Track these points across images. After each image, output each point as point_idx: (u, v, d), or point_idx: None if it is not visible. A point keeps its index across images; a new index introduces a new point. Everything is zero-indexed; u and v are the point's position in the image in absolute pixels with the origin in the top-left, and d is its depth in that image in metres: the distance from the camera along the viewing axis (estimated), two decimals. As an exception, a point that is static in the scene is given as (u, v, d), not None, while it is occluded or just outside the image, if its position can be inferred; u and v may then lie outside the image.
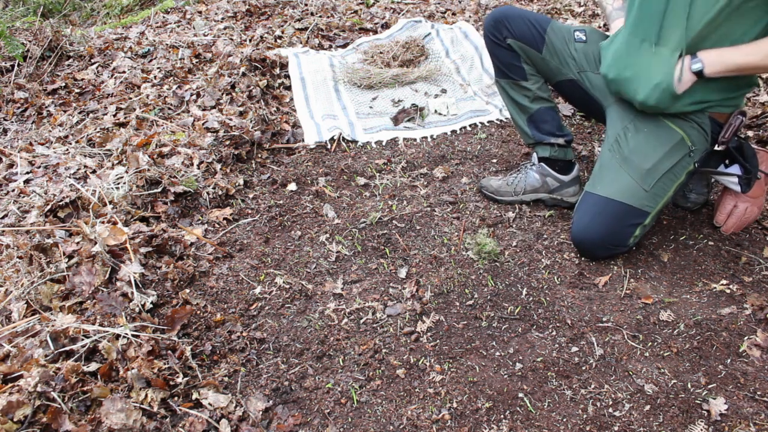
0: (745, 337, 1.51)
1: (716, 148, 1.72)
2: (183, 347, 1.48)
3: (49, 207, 1.85)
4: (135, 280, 1.63)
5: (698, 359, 1.47)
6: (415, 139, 2.53)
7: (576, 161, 2.04)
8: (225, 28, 3.65)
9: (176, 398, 1.37)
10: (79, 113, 2.79)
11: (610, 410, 1.36)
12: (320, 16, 3.81)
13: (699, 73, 1.55)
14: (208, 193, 2.10)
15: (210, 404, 1.37)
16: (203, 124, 2.42)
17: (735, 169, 1.76)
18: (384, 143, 2.50)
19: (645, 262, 1.79)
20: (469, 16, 3.69)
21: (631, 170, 1.68)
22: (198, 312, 1.63)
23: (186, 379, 1.41)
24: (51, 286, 1.57)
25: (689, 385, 1.40)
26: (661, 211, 1.74)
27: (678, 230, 1.91)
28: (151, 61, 3.24)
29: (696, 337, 1.52)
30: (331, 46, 3.50)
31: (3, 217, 1.91)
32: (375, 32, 3.64)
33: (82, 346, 1.39)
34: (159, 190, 2.02)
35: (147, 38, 3.61)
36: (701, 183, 1.95)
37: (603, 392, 1.40)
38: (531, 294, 1.70)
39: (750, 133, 2.30)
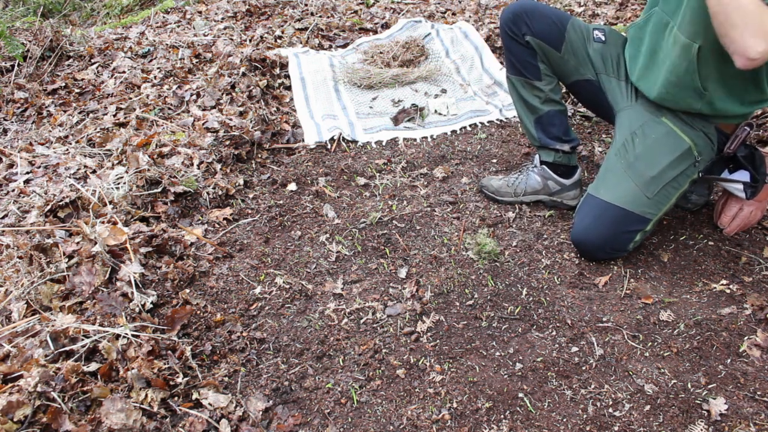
0: (745, 337, 1.51)
1: (722, 155, 1.73)
2: (183, 347, 1.48)
3: (49, 207, 1.85)
4: (135, 280, 1.63)
5: (698, 359, 1.47)
6: (415, 139, 2.53)
7: (578, 165, 2.03)
8: (225, 28, 3.65)
9: (176, 398, 1.37)
10: (79, 113, 2.79)
11: (610, 410, 1.36)
12: (320, 16, 3.80)
13: None
14: (208, 193, 2.10)
15: (210, 404, 1.37)
16: (203, 124, 2.42)
17: (740, 175, 1.75)
18: (384, 143, 2.50)
19: (645, 262, 1.79)
20: (469, 16, 3.69)
21: (635, 176, 1.68)
22: (198, 312, 1.63)
23: (186, 379, 1.41)
24: (51, 286, 1.57)
25: (689, 385, 1.40)
26: (662, 217, 1.74)
27: (678, 230, 1.91)
28: (151, 61, 3.23)
29: (696, 337, 1.52)
30: (331, 46, 3.50)
31: (3, 217, 1.91)
32: (375, 32, 3.64)
33: (82, 346, 1.39)
34: (159, 190, 2.02)
35: (147, 38, 3.61)
36: (703, 185, 1.95)
37: (603, 392, 1.40)
38: (531, 294, 1.70)
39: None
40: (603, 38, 1.84)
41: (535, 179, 2.00)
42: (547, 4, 1.87)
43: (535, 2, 1.86)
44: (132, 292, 1.59)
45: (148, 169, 2.03)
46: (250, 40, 3.40)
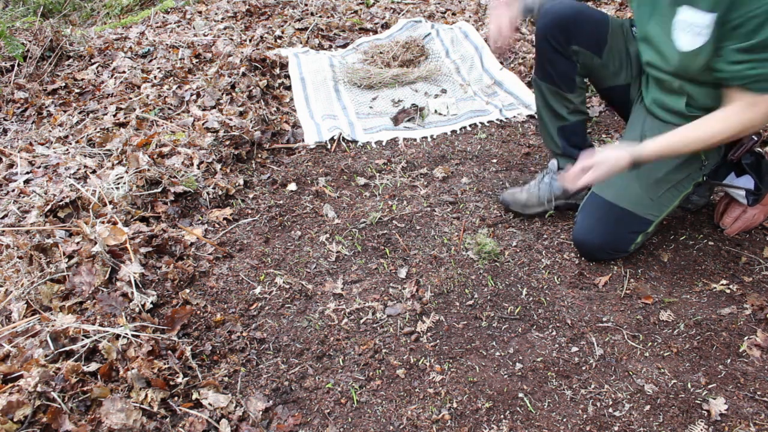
0: (745, 337, 1.51)
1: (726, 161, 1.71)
2: (183, 347, 1.48)
3: (49, 207, 1.85)
4: (135, 280, 1.63)
5: (698, 359, 1.47)
6: (415, 139, 2.53)
7: None
8: (225, 28, 3.65)
9: (176, 398, 1.37)
10: (79, 113, 2.79)
11: (610, 410, 1.36)
12: (320, 16, 3.80)
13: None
14: (208, 193, 2.10)
15: (210, 404, 1.37)
16: (203, 124, 2.42)
17: (745, 181, 1.74)
18: (384, 143, 2.50)
19: (645, 262, 1.79)
20: (469, 16, 3.69)
21: (640, 178, 1.66)
22: (198, 312, 1.63)
23: (186, 379, 1.41)
24: (51, 286, 1.57)
25: (689, 385, 1.40)
26: (664, 218, 1.73)
27: (678, 230, 1.91)
28: (151, 61, 3.24)
29: (696, 337, 1.52)
30: (331, 46, 3.50)
31: (3, 217, 1.91)
32: (375, 32, 3.64)
33: (82, 346, 1.39)
34: (159, 190, 2.02)
35: (147, 38, 3.61)
36: (704, 186, 1.94)
37: (603, 392, 1.40)
38: (531, 294, 1.70)
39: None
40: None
41: (558, 185, 1.94)
42: (586, 3, 1.72)
43: (578, 5, 1.68)
44: (132, 292, 1.59)
45: (148, 169, 2.03)
46: (250, 40, 3.40)
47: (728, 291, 1.65)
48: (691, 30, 1.43)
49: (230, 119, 2.44)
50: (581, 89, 1.83)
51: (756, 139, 1.63)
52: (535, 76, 1.87)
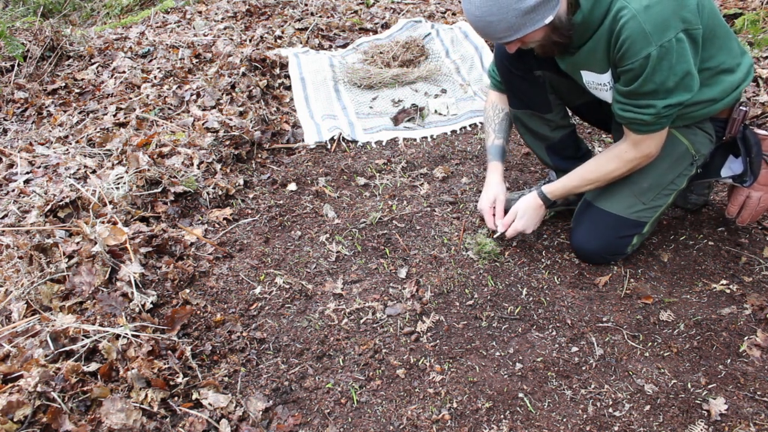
0: (745, 337, 1.51)
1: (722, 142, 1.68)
2: (183, 347, 1.48)
3: (49, 207, 1.85)
4: (135, 280, 1.63)
5: (698, 359, 1.47)
6: (415, 139, 2.53)
7: None
8: (225, 28, 3.65)
9: (176, 398, 1.37)
10: (79, 113, 2.80)
11: (610, 410, 1.36)
12: (320, 16, 3.81)
13: (544, 198, 1.73)
14: (208, 193, 2.10)
15: (210, 404, 1.37)
16: (203, 124, 2.42)
17: (736, 166, 1.73)
18: (384, 143, 2.50)
19: (645, 262, 1.79)
20: (469, 16, 3.68)
21: (631, 183, 1.66)
22: (198, 312, 1.63)
23: (186, 379, 1.41)
24: (51, 286, 1.57)
25: (689, 385, 1.40)
26: (659, 218, 1.73)
27: (678, 230, 1.91)
28: (151, 61, 3.24)
29: (696, 337, 1.52)
30: (331, 46, 3.50)
31: (3, 217, 1.91)
32: (375, 32, 3.64)
33: (82, 346, 1.39)
34: (159, 190, 2.02)
35: (147, 38, 3.61)
36: (702, 184, 1.93)
37: (603, 392, 1.40)
38: (531, 294, 1.70)
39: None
40: None
41: None
42: None
43: None
44: (132, 292, 1.59)
45: (148, 169, 2.03)
46: (250, 40, 3.40)
47: (728, 291, 1.65)
48: (601, 87, 1.57)
49: (230, 119, 2.44)
50: (559, 105, 1.83)
51: (745, 110, 1.60)
52: (511, 108, 1.87)
